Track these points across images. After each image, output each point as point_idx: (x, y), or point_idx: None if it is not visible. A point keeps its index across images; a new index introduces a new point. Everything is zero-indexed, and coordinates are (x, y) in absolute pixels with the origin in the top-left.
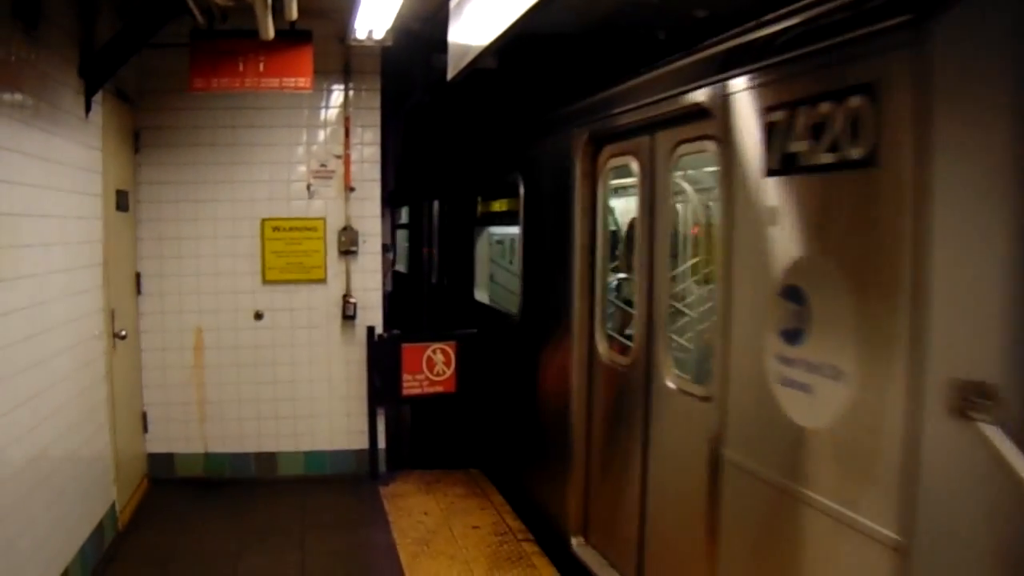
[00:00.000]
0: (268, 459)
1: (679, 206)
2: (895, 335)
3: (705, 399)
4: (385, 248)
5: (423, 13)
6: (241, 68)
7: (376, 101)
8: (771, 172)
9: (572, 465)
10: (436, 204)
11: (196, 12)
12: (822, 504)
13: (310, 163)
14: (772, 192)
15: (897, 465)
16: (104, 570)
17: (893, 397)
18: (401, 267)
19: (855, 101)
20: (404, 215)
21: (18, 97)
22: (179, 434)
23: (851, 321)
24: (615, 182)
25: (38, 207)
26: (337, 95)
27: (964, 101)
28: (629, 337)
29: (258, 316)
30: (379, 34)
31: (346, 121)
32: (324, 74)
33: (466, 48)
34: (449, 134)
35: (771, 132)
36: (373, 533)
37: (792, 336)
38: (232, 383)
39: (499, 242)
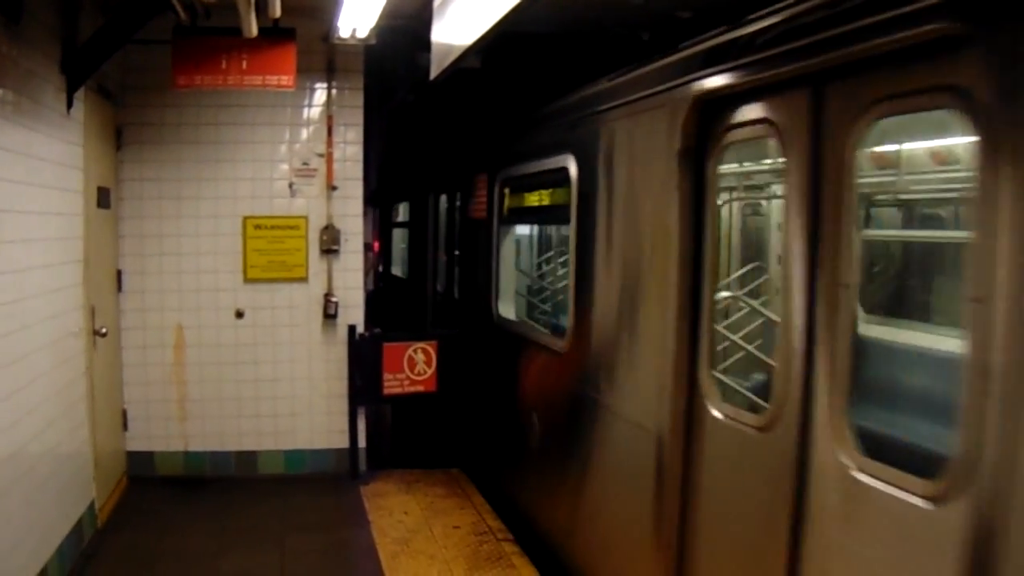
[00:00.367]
0: (248, 458)
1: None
2: None
3: (934, 499)
4: (367, 247)
5: (407, 12)
6: (224, 65)
7: (359, 100)
8: None
9: None
10: (443, 199)
11: (179, 8)
12: None
13: (292, 161)
14: None
15: None
16: (82, 569)
17: None
18: (398, 271)
19: None
20: (403, 212)
21: None
22: (159, 432)
23: None
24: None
25: (18, 203)
26: (320, 93)
27: None
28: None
29: (239, 315)
30: (363, 33)
31: (329, 120)
32: (307, 72)
33: (449, 47)
34: (459, 112)
35: None
36: (353, 532)
37: None
38: (213, 381)
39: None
